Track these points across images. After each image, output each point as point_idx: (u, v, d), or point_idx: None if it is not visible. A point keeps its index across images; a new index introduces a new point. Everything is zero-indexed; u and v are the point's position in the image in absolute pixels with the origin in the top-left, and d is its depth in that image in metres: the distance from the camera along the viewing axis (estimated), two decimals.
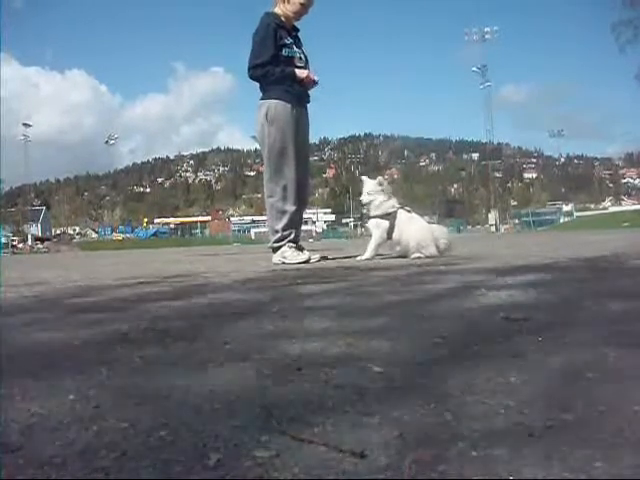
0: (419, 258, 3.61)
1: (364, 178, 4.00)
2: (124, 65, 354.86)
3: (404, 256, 3.77)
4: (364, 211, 3.98)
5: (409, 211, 3.88)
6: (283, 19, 3.95)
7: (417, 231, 3.75)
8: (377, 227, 3.81)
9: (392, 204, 3.83)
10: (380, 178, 3.94)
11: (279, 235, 3.81)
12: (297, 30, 4.10)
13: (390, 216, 3.78)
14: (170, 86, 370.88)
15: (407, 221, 3.78)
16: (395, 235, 3.77)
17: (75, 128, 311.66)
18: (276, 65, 3.82)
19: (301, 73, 3.87)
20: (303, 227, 4.07)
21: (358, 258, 3.89)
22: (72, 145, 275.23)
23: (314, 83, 3.98)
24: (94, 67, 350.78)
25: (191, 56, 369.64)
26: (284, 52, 3.86)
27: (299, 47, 4.02)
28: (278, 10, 3.97)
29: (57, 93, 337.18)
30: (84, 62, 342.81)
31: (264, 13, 3.97)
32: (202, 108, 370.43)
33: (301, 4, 3.96)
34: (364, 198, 3.87)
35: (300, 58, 3.98)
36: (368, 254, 3.82)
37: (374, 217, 3.85)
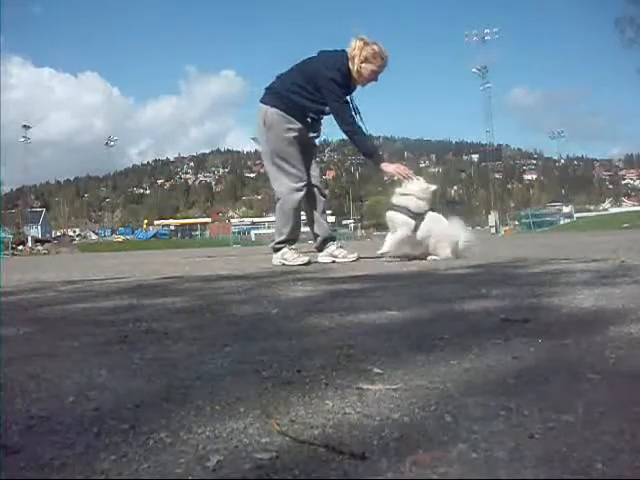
0: (435, 260, 3.52)
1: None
2: (136, 68, 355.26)
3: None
4: (394, 201, 3.64)
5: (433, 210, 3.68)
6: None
7: (438, 232, 3.59)
8: (405, 224, 3.57)
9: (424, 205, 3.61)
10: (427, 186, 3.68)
11: (283, 237, 3.81)
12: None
13: (419, 216, 3.57)
14: (182, 89, 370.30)
15: (434, 222, 3.60)
16: (419, 234, 3.57)
17: (87, 130, 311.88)
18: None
19: (388, 167, 3.65)
20: (303, 229, 4.04)
21: (378, 252, 3.66)
22: (84, 147, 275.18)
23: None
24: (107, 70, 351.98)
25: (203, 59, 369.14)
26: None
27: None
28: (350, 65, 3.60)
29: (70, 95, 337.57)
30: (97, 65, 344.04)
31: (343, 51, 3.61)
32: (212, 111, 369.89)
33: (373, 71, 3.61)
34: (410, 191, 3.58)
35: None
36: (386, 247, 3.61)
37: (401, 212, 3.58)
